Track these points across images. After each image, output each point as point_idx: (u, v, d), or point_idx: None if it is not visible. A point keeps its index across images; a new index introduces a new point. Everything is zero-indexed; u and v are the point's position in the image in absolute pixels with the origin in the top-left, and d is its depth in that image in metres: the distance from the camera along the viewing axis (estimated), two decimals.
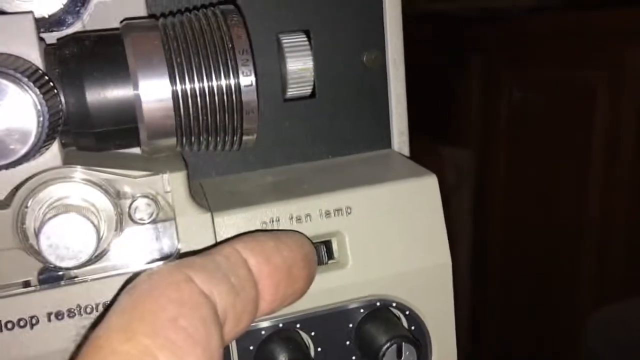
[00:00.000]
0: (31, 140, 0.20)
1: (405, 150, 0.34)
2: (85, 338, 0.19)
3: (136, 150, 0.27)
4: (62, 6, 0.24)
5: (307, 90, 0.32)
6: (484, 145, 1.42)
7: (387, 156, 0.33)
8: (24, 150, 0.20)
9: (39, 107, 0.20)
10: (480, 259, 1.39)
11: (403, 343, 0.27)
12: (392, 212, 0.28)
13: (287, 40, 0.31)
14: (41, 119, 0.20)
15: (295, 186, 0.29)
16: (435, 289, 0.29)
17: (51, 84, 0.22)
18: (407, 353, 0.27)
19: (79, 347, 0.19)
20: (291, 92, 0.31)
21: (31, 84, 0.20)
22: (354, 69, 0.33)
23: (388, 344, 0.26)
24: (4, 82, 0.19)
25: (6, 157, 0.20)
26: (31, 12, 0.22)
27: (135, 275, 0.23)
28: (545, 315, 1.26)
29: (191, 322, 0.19)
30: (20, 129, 0.20)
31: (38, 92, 0.20)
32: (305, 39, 0.31)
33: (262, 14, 0.31)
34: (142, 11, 0.27)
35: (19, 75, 0.20)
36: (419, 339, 0.28)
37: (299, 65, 0.31)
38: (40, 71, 0.22)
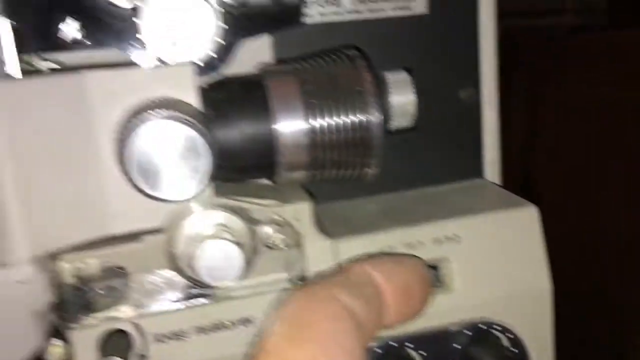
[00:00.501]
0: (206, 176, 0.23)
1: (497, 180, 0.36)
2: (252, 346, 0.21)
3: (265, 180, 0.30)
4: (213, 55, 0.27)
5: (409, 123, 0.34)
6: (530, 165, 1.43)
7: (483, 186, 0.35)
8: (201, 185, 0.23)
9: (210, 147, 0.23)
10: None
11: None
12: (496, 240, 0.31)
13: (391, 77, 0.33)
14: (212, 157, 0.23)
15: (404, 214, 0.31)
16: (536, 312, 0.31)
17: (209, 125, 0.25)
18: None
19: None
20: (393, 125, 0.34)
21: (203, 127, 0.23)
22: (451, 103, 0.35)
23: None
24: (183, 127, 0.22)
25: (185, 194, 0.23)
26: (191, 62, 0.25)
27: (283, 293, 0.25)
28: (589, 336, 1.25)
29: (344, 334, 0.21)
30: (196, 167, 0.23)
31: (208, 133, 0.23)
32: (408, 75, 0.34)
33: (369, 55, 0.33)
34: (268, 56, 0.30)
35: (194, 120, 0.23)
36: None
37: (403, 99, 0.33)
38: (201, 114, 0.25)
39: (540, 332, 0.31)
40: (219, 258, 0.25)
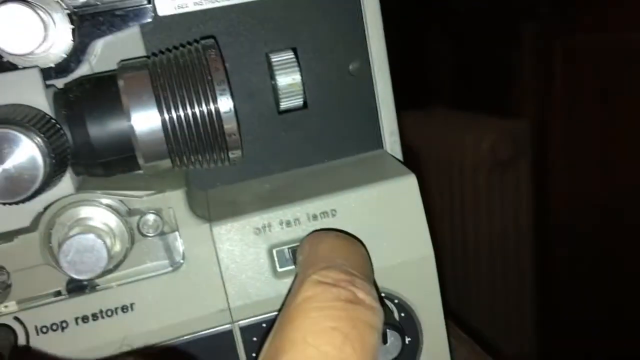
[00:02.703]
0: (39, 178, 0.24)
1: (397, 149, 0.37)
2: None
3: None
4: (65, 56, 0.27)
5: (299, 101, 0.34)
6: (541, 114, 1.39)
7: (377, 157, 0.35)
8: (34, 187, 0.24)
9: (43, 150, 0.24)
10: (543, 230, 1.37)
11: (387, 330, 0.29)
12: (375, 212, 0.31)
13: (276, 58, 0.34)
14: (46, 159, 0.24)
15: (286, 193, 0.32)
16: (421, 279, 0.32)
17: (57, 126, 0.26)
18: (392, 339, 0.30)
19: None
20: (284, 105, 0.34)
21: (35, 130, 0.24)
22: (342, 78, 0.35)
23: None
24: (12, 131, 0.24)
25: (20, 193, 0.24)
26: (36, 66, 0.26)
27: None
28: (614, 290, 1.23)
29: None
30: (29, 170, 0.24)
31: (42, 136, 0.24)
32: (293, 55, 0.34)
33: (253, 36, 0.34)
34: (141, 50, 0.31)
35: (24, 123, 0.24)
36: (404, 326, 0.31)
37: (288, 80, 0.34)
38: (46, 116, 0.26)
39: (429, 297, 0.32)
40: (82, 253, 0.27)
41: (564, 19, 1.28)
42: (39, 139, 0.24)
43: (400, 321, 0.31)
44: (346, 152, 0.36)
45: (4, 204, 0.25)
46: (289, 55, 0.34)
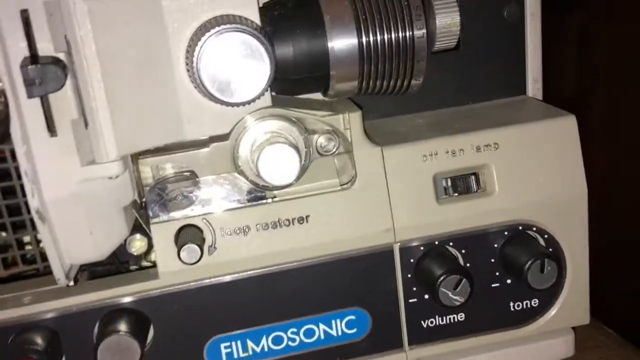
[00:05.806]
0: (265, 83, 0.26)
1: (539, 97, 0.38)
2: None
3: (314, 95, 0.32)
4: None
5: (453, 43, 0.36)
6: (581, 102, 1.39)
7: (525, 101, 0.37)
8: (260, 90, 0.26)
9: (270, 56, 0.25)
10: None
11: (546, 259, 0.31)
12: (534, 148, 0.32)
13: None
14: (272, 64, 0.26)
15: (447, 126, 0.34)
16: (572, 215, 0.33)
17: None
18: (549, 268, 0.31)
19: None
20: (439, 45, 0.35)
21: (265, 40, 0.25)
22: (495, 22, 0.36)
23: (533, 260, 0.31)
24: (249, 38, 0.25)
25: (245, 96, 0.26)
26: None
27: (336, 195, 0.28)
28: None
29: None
30: (259, 72, 0.26)
31: (267, 42, 0.26)
32: None
33: None
34: None
35: (258, 33, 0.25)
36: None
37: (448, 20, 0.35)
38: (263, 29, 0.27)
39: (577, 233, 0.34)
40: (279, 160, 0.28)
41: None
42: (268, 47, 0.26)
43: None
44: (491, 95, 0.37)
45: (228, 104, 0.26)
46: None
